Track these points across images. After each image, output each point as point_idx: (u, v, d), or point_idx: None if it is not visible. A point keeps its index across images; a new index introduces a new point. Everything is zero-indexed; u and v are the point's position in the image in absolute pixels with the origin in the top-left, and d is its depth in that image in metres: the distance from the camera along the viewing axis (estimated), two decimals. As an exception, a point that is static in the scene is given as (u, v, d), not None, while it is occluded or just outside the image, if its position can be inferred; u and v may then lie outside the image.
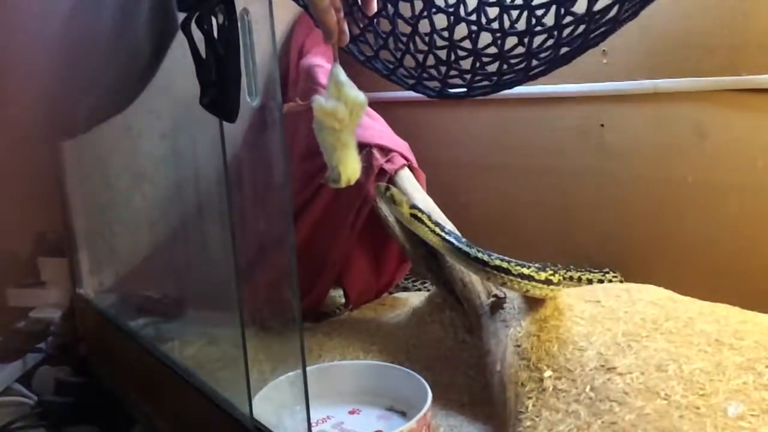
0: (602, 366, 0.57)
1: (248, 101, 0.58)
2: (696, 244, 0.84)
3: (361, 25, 0.63)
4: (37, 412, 0.99)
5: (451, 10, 0.60)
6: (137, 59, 0.70)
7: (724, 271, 0.82)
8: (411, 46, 0.62)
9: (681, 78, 0.82)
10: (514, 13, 0.60)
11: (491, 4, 0.60)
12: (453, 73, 0.63)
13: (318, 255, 1.02)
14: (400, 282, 1.13)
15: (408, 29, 0.61)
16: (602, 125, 0.91)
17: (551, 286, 0.68)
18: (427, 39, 0.61)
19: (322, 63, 1.02)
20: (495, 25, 0.60)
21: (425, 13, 0.60)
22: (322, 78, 0.99)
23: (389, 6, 0.61)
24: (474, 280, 0.79)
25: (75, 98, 0.87)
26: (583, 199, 0.94)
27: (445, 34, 0.60)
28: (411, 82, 0.66)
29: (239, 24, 0.55)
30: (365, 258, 1.04)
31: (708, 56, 0.79)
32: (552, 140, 0.97)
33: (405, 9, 0.61)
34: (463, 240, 0.73)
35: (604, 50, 0.87)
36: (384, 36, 0.63)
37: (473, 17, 0.60)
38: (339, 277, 1.07)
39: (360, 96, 0.58)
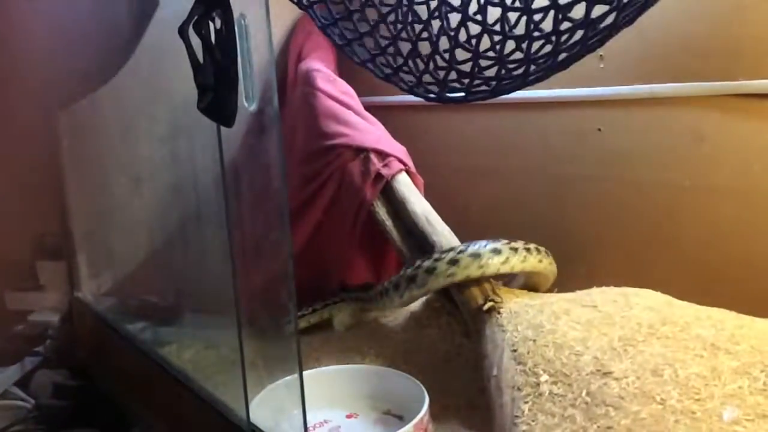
0: (598, 371, 0.57)
1: (245, 106, 0.58)
2: (693, 248, 0.84)
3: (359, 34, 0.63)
4: (34, 416, 0.99)
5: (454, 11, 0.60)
6: (118, 33, 0.73)
7: (721, 275, 0.82)
8: (411, 50, 0.63)
9: (678, 83, 0.82)
10: (513, 17, 0.60)
11: (494, 4, 0.60)
12: (452, 77, 0.63)
13: (319, 258, 1.02)
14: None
15: (409, 34, 0.62)
16: (599, 129, 0.91)
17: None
18: (426, 43, 0.61)
19: (320, 67, 1.02)
20: (496, 27, 0.60)
21: (436, 14, 0.60)
22: (320, 82, 0.99)
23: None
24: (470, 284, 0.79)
25: (69, 64, 0.90)
26: (581, 204, 0.94)
27: (446, 38, 0.60)
28: (410, 86, 0.67)
29: (236, 28, 0.55)
30: (364, 262, 1.05)
31: (705, 61, 0.79)
32: (550, 145, 0.97)
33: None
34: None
35: (601, 55, 0.87)
36: (383, 43, 0.64)
37: (478, 18, 0.60)
38: (340, 281, 1.07)
39: None
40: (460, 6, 0.60)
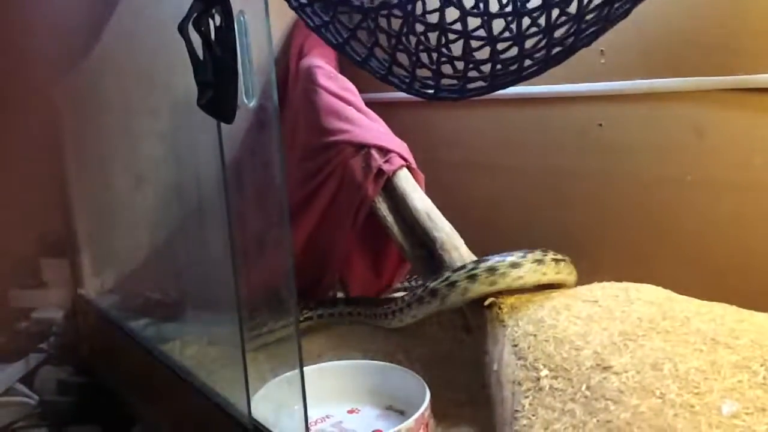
0: (598, 365, 0.57)
1: (245, 102, 0.58)
2: (694, 243, 0.84)
3: (346, 35, 0.63)
4: (39, 412, 1.00)
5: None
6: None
7: (721, 270, 0.82)
8: (402, 45, 0.63)
9: (678, 78, 0.82)
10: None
11: (475, 15, 0.60)
12: (446, 73, 0.63)
13: (319, 254, 1.02)
14: (400, 282, 1.13)
15: (396, 28, 0.61)
16: (600, 125, 0.91)
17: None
18: (420, 39, 0.61)
19: (321, 64, 1.02)
20: (480, 33, 0.60)
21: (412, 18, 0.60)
22: (321, 79, 0.99)
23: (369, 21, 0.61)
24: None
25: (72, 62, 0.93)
26: (582, 199, 0.95)
27: (436, 34, 0.60)
28: (405, 84, 0.67)
29: (236, 25, 0.55)
30: (364, 258, 1.05)
31: (705, 56, 0.79)
32: (550, 140, 0.97)
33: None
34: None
35: (601, 50, 0.87)
36: (371, 44, 0.63)
37: (457, 27, 0.60)
38: (341, 277, 1.07)
39: None
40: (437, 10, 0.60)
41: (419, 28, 0.59)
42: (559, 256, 0.76)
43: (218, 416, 0.71)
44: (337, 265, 1.03)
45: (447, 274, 0.76)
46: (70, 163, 1.15)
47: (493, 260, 0.74)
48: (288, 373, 0.72)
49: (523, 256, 0.74)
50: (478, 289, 0.74)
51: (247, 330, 0.68)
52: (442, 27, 0.58)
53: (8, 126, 1.11)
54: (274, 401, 0.71)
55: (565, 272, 0.77)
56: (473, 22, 0.58)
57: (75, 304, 1.16)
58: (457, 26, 0.58)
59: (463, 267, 0.75)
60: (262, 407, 0.68)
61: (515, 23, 0.55)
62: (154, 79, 0.89)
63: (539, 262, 0.74)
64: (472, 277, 0.74)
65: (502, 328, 0.70)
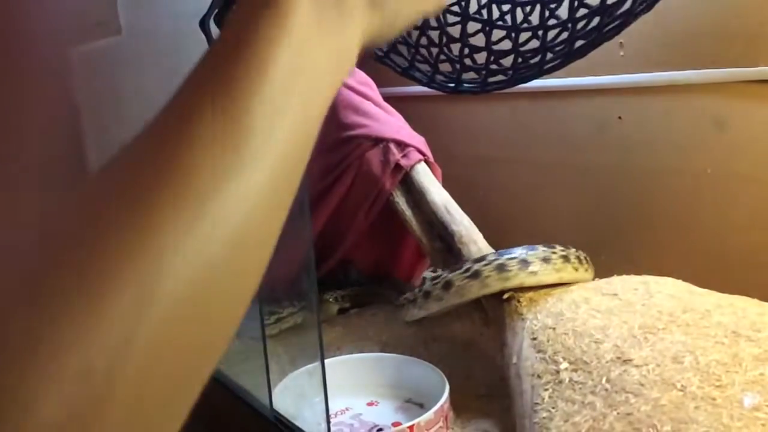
0: (618, 358, 0.57)
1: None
2: (715, 236, 0.84)
3: None
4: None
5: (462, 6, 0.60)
6: None
7: (742, 263, 0.81)
8: (424, 40, 0.63)
9: (699, 69, 0.81)
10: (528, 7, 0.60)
11: (502, 2, 0.60)
12: (467, 64, 0.63)
13: (331, 243, 1.03)
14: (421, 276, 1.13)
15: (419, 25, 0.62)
16: (620, 118, 0.90)
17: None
18: (439, 34, 0.62)
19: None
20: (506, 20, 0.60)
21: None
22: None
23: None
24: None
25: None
26: (601, 192, 0.94)
27: (458, 29, 0.61)
28: (425, 79, 0.67)
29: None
30: (382, 253, 1.05)
31: (726, 47, 0.79)
32: (569, 134, 0.96)
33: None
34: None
35: (621, 42, 0.87)
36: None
37: (482, 15, 0.60)
38: (354, 264, 1.08)
39: None
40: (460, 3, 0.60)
41: (442, 19, 0.60)
42: (573, 251, 0.76)
43: (240, 408, 0.72)
44: (343, 252, 1.03)
45: (467, 265, 0.76)
46: (90, 160, 1.17)
47: (511, 254, 0.74)
48: (309, 366, 0.73)
49: (553, 252, 0.74)
50: (493, 285, 0.73)
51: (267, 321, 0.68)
52: (465, 16, 0.58)
53: (25, 122, 1.13)
54: (295, 393, 0.71)
55: (583, 270, 0.77)
56: (496, 11, 0.58)
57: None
58: (481, 15, 0.59)
59: (481, 259, 0.76)
60: (283, 399, 0.69)
61: (538, 14, 0.55)
62: (174, 76, 0.89)
63: (565, 258, 0.74)
64: (476, 274, 0.74)
65: (521, 321, 0.70)
